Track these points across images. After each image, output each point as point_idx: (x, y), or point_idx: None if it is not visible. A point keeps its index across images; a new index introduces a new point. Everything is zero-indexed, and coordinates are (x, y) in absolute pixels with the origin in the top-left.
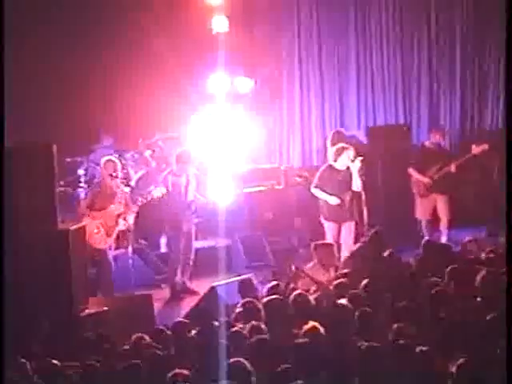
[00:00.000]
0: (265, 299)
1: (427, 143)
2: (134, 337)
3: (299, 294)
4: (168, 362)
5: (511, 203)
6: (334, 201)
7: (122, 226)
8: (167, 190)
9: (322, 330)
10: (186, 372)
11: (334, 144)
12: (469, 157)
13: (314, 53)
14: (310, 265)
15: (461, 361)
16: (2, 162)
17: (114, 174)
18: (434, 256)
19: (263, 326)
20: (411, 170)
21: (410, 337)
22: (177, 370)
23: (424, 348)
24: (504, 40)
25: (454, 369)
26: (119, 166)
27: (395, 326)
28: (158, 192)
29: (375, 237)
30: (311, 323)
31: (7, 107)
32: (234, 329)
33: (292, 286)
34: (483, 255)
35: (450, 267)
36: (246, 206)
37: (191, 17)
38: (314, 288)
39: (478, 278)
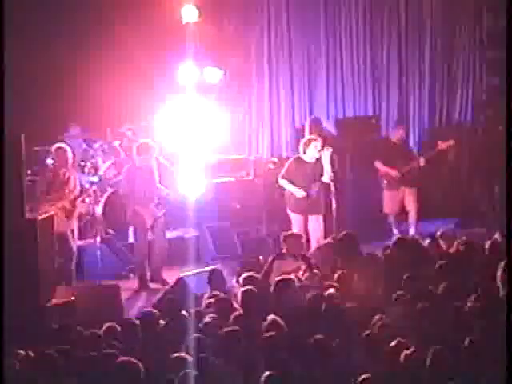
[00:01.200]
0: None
1: (393, 138)
2: (105, 326)
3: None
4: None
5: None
6: (300, 193)
7: (81, 208)
8: (129, 182)
9: (282, 323)
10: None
11: (311, 132)
12: (436, 152)
13: (284, 44)
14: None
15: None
16: None
17: (83, 164)
18: (406, 253)
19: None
20: (377, 164)
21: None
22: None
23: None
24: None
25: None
26: (69, 151)
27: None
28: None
29: (348, 238)
30: (271, 317)
31: None
32: (204, 320)
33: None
34: (454, 248)
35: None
36: (215, 197)
37: (161, 6)
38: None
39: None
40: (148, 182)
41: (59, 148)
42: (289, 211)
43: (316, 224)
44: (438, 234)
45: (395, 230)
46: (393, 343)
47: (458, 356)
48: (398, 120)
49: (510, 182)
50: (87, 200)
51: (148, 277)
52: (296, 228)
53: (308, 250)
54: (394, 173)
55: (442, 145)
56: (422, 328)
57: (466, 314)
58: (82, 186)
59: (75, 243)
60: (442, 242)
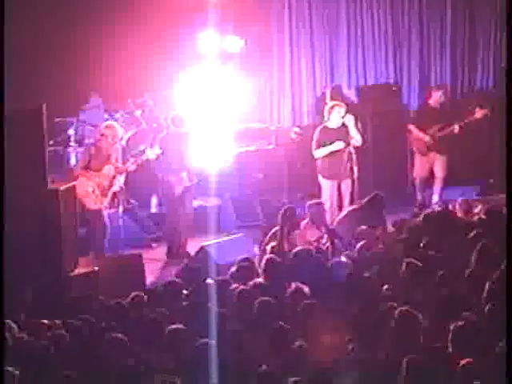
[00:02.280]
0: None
1: (431, 101)
2: (132, 295)
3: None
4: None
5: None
6: (339, 145)
7: (117, 187)
8: (162, 151)
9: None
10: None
11: (331, 99)
12: (472, 120)
13: (304, 12)
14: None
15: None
16: None
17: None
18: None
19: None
20: (412, 127)
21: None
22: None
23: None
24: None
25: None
26: (119, 132)
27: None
28: (152, 153)
29: (374, 200)
30: (295, 284)
31: None
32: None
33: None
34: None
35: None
36: (237, 166)
37: None
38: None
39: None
40: (180, 152)
41: (108, 126)
42: (321, 178)
43: (346, 188)
44: (459, 201)
45: (419, 196)
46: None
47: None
48: (421, 86)
49: (509, 182)
50: (121, 179)
51: (175, 247)
52: (327, 194)
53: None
54: (426, 137)
55: (478, 113)
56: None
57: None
58: (120, 164)
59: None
60: (459, 210)
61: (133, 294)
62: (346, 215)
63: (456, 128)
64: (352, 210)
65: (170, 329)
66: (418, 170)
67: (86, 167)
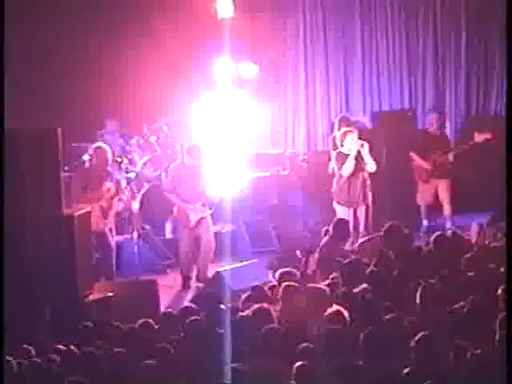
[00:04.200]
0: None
1: (431, 128)
2: (139, 322)
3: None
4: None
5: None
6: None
7: (117, 207)
8: (177, 178)
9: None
10: None
11: (340, 129)
12: (471, 144)
13: (320, 38)
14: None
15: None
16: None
17: (119, 160)
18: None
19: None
20: (413, 155)
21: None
22: None
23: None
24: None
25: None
26: (109, 152)
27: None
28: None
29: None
30: (335, 307)
31: (8, 93)
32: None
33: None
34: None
35: None
36: (251, 192)
37: (196, 2)
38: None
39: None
40: (195, 181)
41: (98, 147)
42: (336, 204)
43: (361, 214)
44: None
45: (425, 222)
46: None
47: None
48: (434, 109)
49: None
50: (124, 198)
51: (193, 275)
52: None
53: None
54: (426, 165)
55: (477, 137)
56: None
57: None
58: (118, 184)
59: (113, 240)
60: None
61: (140, 320)
62: (369, 239)
63: (450, 156)
64: (374, 236)
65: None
66: (422, 198)
67: (83, 191)
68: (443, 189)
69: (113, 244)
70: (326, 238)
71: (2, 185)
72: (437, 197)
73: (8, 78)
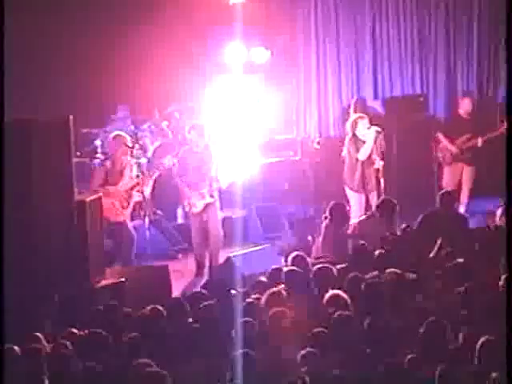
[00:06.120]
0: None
1: (461, 111)
2: (148, 308)
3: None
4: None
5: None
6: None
7: (136, 197)
8: (185, 163)
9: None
10: None
11: (355, 112)
12: (498, 133)
13: (331, 22)
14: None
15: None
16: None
17: (131, 145)
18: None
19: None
20: (440, 136)
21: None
22: None
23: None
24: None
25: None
26: (128, 140)
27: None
28: (169, 161)
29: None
30: (334, 291)
31: (19, 82)
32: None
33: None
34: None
35: None
36: (263, 177)
37: None
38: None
39: None
40: (200, 168)
41: (117, 136)
42: (348, 190)
43: (373, 201)
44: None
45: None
46: None
47: None
48: (448, 96)
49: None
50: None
51: (206, 261)
52: (357, 207)
53: None
54: (453, 148)
55: (502, 127)
56: None
57: None
58: (137, 175)
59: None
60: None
61: (149, 307)
62: (359, 222)
63: (479, 142)
64: (366, 217)
65: None
66: (445, 180)
67: (103, 183)
68: (467, 174)
69: (133, 232)
70: (326, 222)
71: (14, 172)
72: (460, 181)
73: (20, 65)
